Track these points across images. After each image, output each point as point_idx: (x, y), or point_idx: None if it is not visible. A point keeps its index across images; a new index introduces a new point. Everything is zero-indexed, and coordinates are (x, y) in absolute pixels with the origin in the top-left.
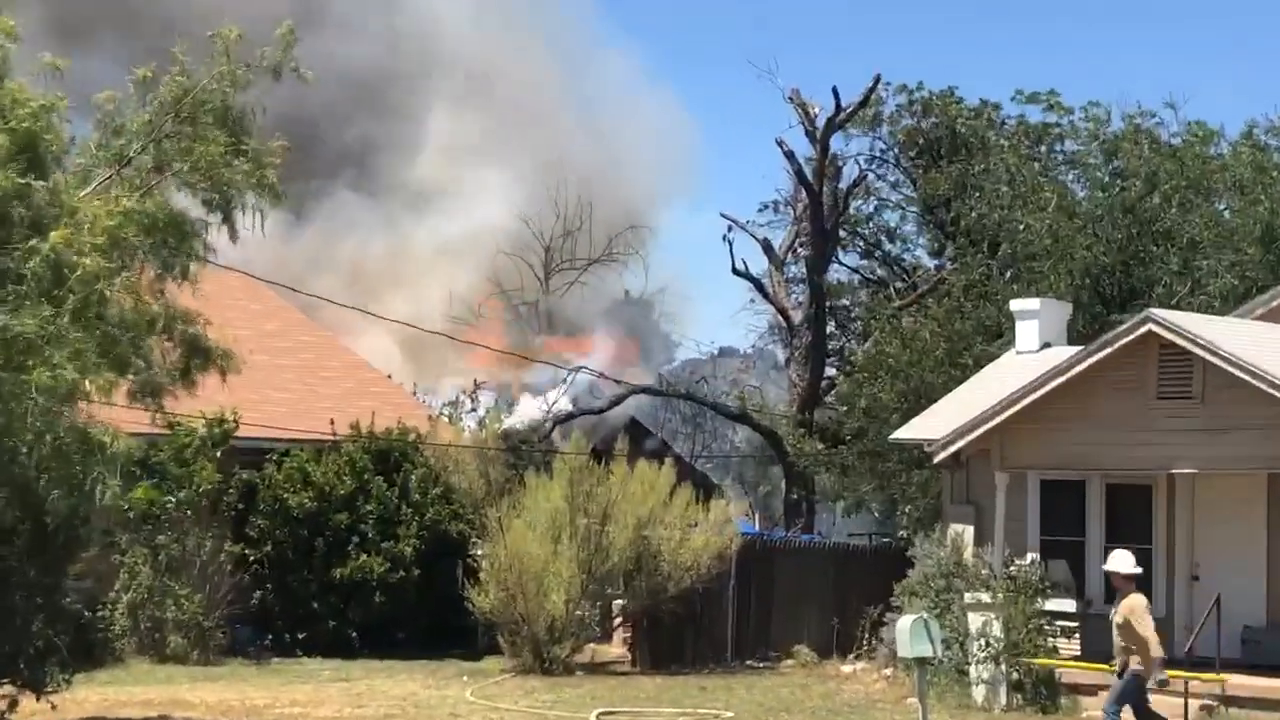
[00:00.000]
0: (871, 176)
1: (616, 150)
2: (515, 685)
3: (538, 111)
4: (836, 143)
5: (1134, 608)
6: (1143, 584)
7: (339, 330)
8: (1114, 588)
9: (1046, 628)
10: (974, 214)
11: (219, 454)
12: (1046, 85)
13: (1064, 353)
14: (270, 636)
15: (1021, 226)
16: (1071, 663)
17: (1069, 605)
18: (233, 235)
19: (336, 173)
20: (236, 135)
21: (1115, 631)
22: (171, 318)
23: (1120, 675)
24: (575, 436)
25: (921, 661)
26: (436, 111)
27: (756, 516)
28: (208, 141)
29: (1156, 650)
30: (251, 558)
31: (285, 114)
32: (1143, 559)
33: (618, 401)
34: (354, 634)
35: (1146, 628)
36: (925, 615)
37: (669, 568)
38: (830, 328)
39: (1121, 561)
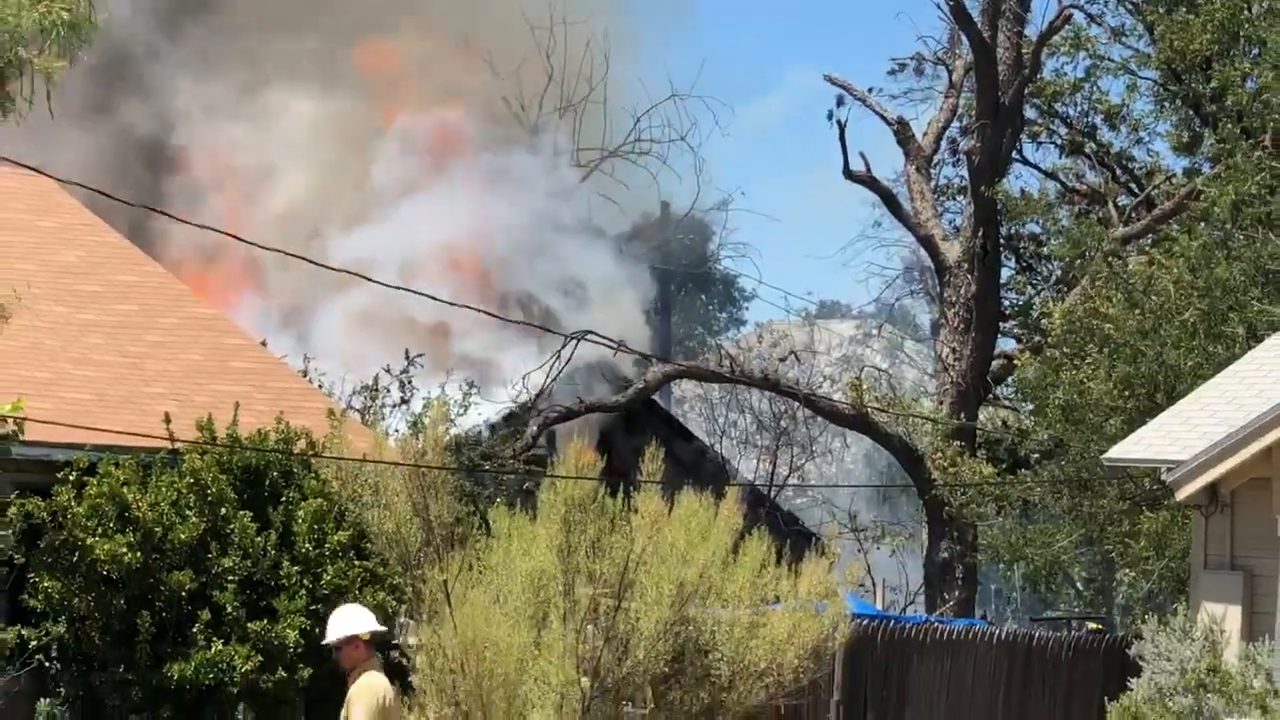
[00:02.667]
0: (1080, 18)
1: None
2: None
3: None
4: None
5: (362, 693)
6: None
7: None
8: (345, 666)
9: None
10: (1250, 84)
11: None
12: None
13: None
14: None
15: None
16: None
17: None
18: (3, 105)
19: None
20: None
21: None
22: None
23: None
24: (575, 445)
25: None
26: None
27: (879, 588)
28: None
29: None
30: (34, 643)
31: None
32: None
33: (647, 390)
34: None
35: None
36: None
37: (730, 672)
38: (1008, 271)
39: (352, 620)
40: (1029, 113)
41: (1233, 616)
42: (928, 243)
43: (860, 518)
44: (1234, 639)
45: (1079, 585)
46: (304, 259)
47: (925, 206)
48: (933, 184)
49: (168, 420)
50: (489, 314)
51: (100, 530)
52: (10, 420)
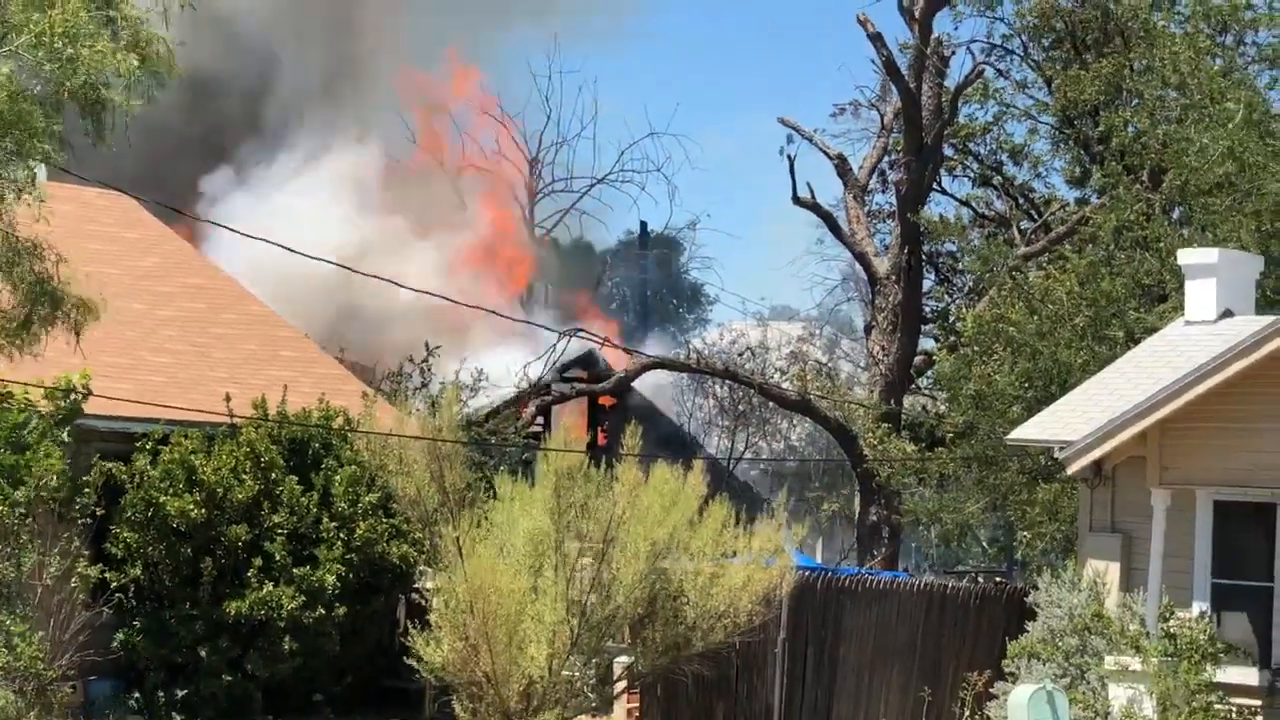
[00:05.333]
0: (990, 72)
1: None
2: None
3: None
4: (942, 23)
5: None
6: None
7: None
8: None
9: (1218, 706)
10: (1130, 129)
11: (67, 436)
12: None
13: (1252, 324)
14: (138, 694)
15: (1195, 148)
16: None
17: (1250, 676)
18: (98, 133)
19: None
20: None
21: None
22: (12, 250)
23: None
24: (566, 426)
25: None
26: None
27: (819, 545)
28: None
29: None
30: (114, 584)
31: None
32: None
33: (628, 378)
34: (254, 693)
35: None
36: (1050, 686)
37: (695, 614)
38: (928, 282)
39: None
40: (947, 150)
41: (1113, 571)
42: (862, 258)
43: (802, 488)
44: (1114, 590)
45: (985, 545)
46: (327, 261)
47: (860, 228)
48: (866, 209)
49: (228, 400)
50: (490, 311)
51: (171, 490)
52: (77, 390)
